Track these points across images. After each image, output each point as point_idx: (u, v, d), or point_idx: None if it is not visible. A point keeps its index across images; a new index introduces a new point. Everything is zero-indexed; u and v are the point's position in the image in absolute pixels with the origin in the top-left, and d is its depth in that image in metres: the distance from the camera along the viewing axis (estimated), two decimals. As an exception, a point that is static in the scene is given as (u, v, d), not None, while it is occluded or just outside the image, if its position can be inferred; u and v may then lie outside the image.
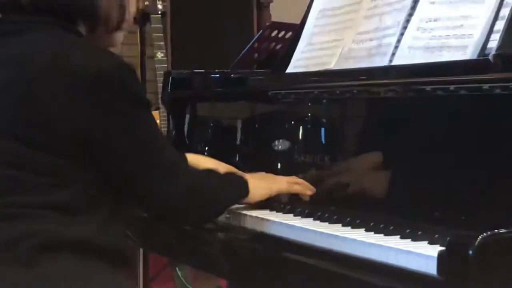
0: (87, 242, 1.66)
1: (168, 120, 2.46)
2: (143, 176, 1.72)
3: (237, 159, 2.28)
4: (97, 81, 1.64)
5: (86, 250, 1.66)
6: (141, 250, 3.61)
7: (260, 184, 1.95)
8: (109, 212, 1.72)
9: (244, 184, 1.92)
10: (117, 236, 1.74)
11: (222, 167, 2.01)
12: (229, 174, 1.95)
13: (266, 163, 2.13)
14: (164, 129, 2.72)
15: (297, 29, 2.29)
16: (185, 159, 1.97)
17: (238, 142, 2.30)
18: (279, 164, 2.11)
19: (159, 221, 2.03)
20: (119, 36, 1.86)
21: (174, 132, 2.42)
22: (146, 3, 3.82)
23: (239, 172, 1.97)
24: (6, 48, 1.71)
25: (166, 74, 2.44)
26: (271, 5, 4.57)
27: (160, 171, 1.74)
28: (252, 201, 1.94)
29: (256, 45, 2.77)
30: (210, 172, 1.91)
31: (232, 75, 2.39)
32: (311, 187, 1.98)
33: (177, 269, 3.58)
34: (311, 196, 1.97)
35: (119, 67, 1.68)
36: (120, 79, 1.67)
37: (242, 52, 2.76)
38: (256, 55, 2.78)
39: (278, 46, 2.80)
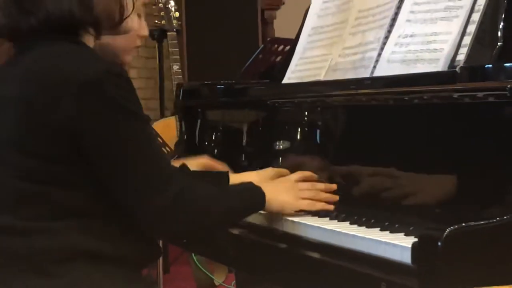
0: (102, 251, 1.55)
1: (181, 125, 2.47)
2: (126, 185, 1.54)
3: (242, 158, 2.29)
4: (82, 88, 1.51)
5: (101, 259, 1.55)
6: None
7: (281, 198, 1.75)
8: (123, 219, 1.58)
9: (259, 195, 1.71)
10: (135, 241, 1.60)
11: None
12: (242, 185, 1.75)
13: (268, 161, 2.12)
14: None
15: (292, 44, 2.28)
16: (179, 171, 1.73)
17: (243, 144, 2.30)
18: (279, 161, 2.11)
19: (150, 234, 1.66)
20: (130, 39, 1.73)
21: (185, 136, 2.43)
22: (163, 21, 3.84)
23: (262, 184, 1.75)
24: (15, 67, 1.61)
25: (178, 86, 2.47)
26: (274, 21, 4.58)
27: (146, 180, 1.54)
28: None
29: (259, 58, 2.76)
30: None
31: (235, 86, 2.39)
32: (331, 197, 1.80)
33: (193, 254, 3.58)
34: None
35: (105, 74, 1.52)
36: (103, 86, 1.51)
37: (246, 65, 2.75)
38: (258, 67, 2.78)
39: (278, 59, 2.79)
